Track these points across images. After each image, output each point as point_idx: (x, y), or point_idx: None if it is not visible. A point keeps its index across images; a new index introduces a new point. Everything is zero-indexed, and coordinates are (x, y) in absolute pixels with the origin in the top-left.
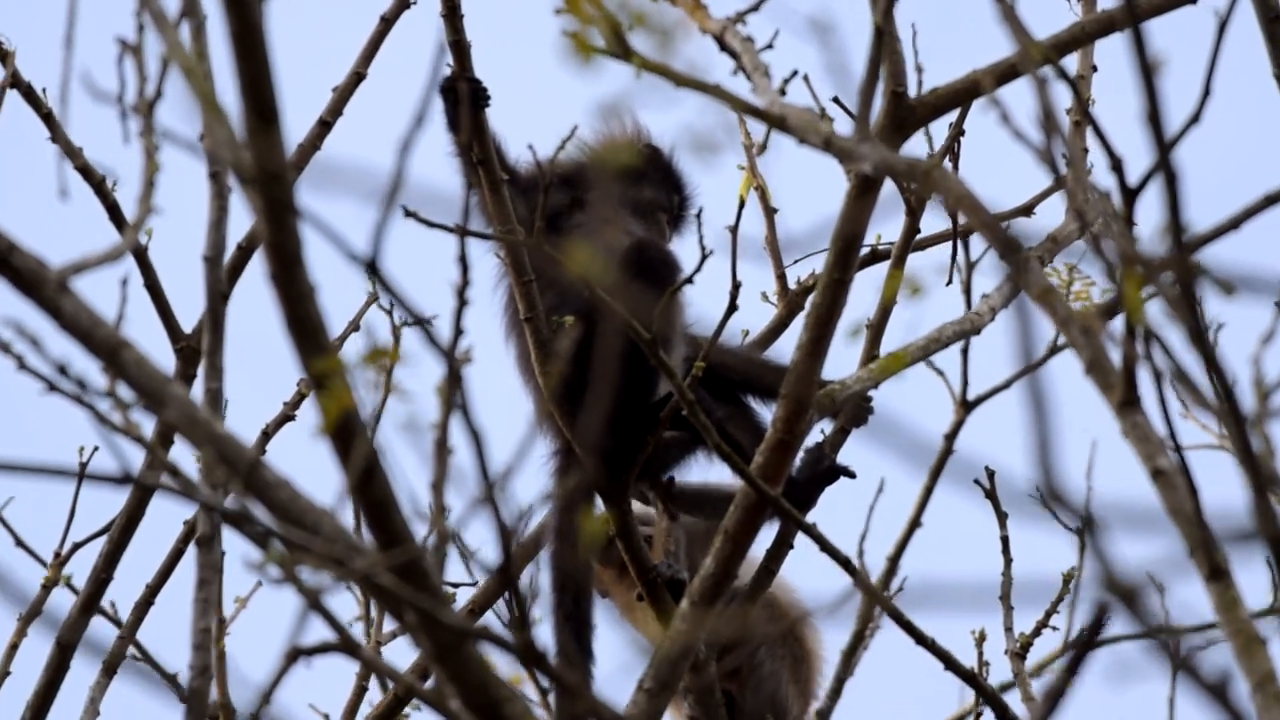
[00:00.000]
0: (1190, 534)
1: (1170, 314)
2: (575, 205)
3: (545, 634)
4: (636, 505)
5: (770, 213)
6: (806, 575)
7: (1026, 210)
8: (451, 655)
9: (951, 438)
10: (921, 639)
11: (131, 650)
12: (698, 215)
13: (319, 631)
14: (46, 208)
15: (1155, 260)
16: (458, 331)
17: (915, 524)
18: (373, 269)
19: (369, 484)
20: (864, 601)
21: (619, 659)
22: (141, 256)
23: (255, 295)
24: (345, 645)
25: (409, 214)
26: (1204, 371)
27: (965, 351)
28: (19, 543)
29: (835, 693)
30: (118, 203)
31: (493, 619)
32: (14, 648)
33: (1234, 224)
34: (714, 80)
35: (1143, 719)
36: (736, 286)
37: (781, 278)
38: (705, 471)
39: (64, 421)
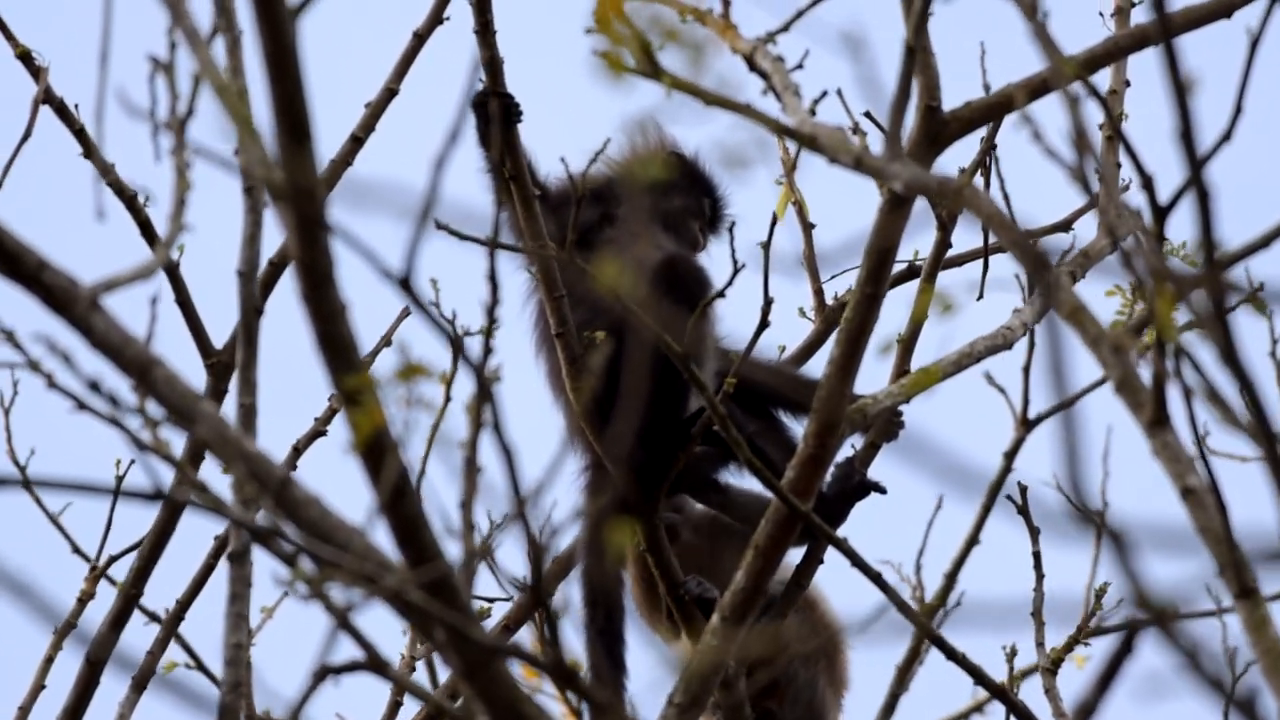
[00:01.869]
0: (1220, 553)
1: (1202, 332)
2: (606, 220)
3: (577, 649)
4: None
5: (808, 228)
6: (838, 588)
7: (1064, 226)
8: (481, 672)
9: (1011, 456)
10: (952, 654)
11: (163, 661)
12: (730, 227)
13: (348, 649)
14: (78, 223)
15: (1187, 278)
16: (487, 349)
17: (974, 541)
18: (405, 285)
19: (399, 502)
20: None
21: (651, 674)
22: (173, 272)
23: (287, 309)
24: (374, 664)
25: (441, 226)
26: (1235, 389)
27: (1027, 369)
28: (75, 548)
29: (889, 708)
30: (149, 219)
31: (523, 636)
32: (49, 661)
33: (1265, 242)
34: (745, 98)
35: None
36: (769, 303)
37: (819, 293)
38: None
39: (93, 437)
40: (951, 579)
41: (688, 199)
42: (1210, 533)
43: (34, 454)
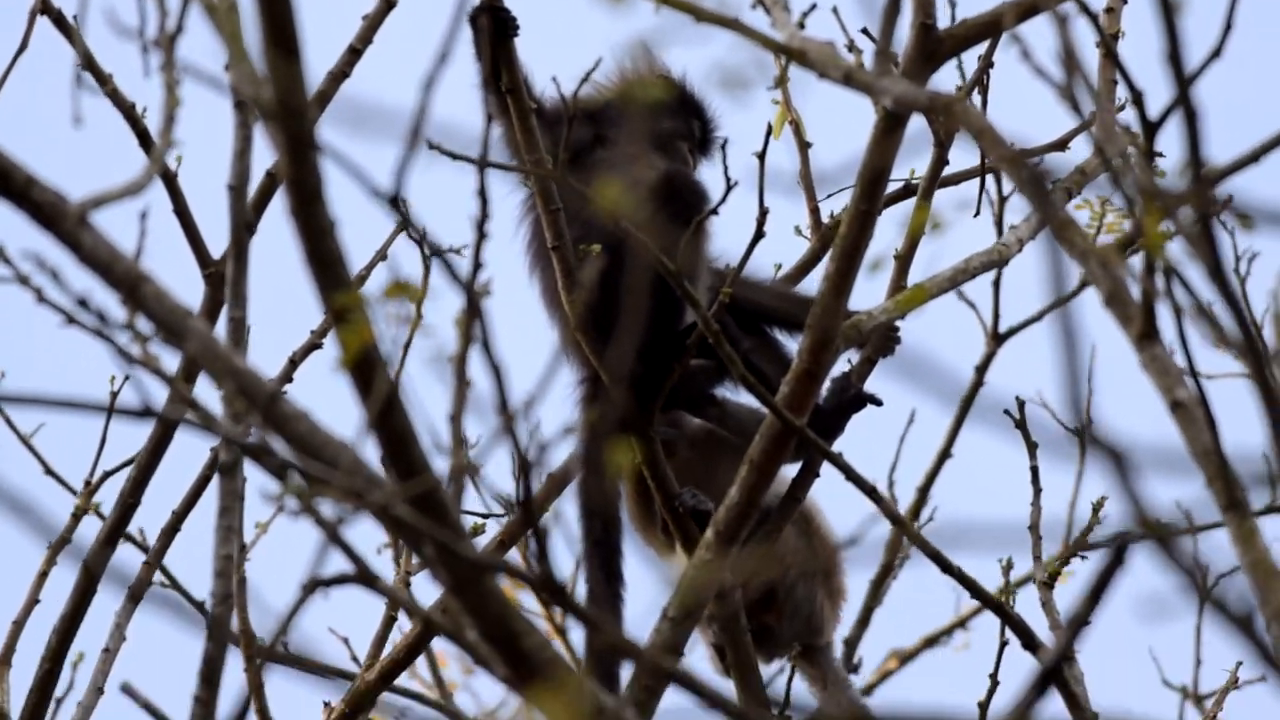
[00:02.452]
0: (1208, 465)
1: (1190, 249)
2: (599, 141)
3: (566, 565)
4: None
5: (804, 147)
6: (833, 503)
7: (1060, 145)
8: (470, 588)
9: (983, 370)
10: (948, 567)
11: (158, 577)
12: (723, 145)
13: (339, 562)
14: (74, 138)
15: (1174, 194)
16: (477, 264)
17: (946, 454)
18: (395, 203)
19: (388, 417)
20: (893, 532)
21: (646, 588)
22: (171, 182)
23: (284, 222)
24: (363, 577)
25: (433, 146)
26: (1224, 305)
27: (997, 284)
28: (48, 471)
29: (863, 621)
30: (148, 129)
31: (513, 554)
32: (44, 575)
33: (1254, 157)
34: (735, 14)
35: (1171, 651)
36: (764, 213)
37: (815, 212)
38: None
39: (84, 353)
40: (924, 492)
41: (676, 122)
42: (1198, 445)
43: (3, 376)
